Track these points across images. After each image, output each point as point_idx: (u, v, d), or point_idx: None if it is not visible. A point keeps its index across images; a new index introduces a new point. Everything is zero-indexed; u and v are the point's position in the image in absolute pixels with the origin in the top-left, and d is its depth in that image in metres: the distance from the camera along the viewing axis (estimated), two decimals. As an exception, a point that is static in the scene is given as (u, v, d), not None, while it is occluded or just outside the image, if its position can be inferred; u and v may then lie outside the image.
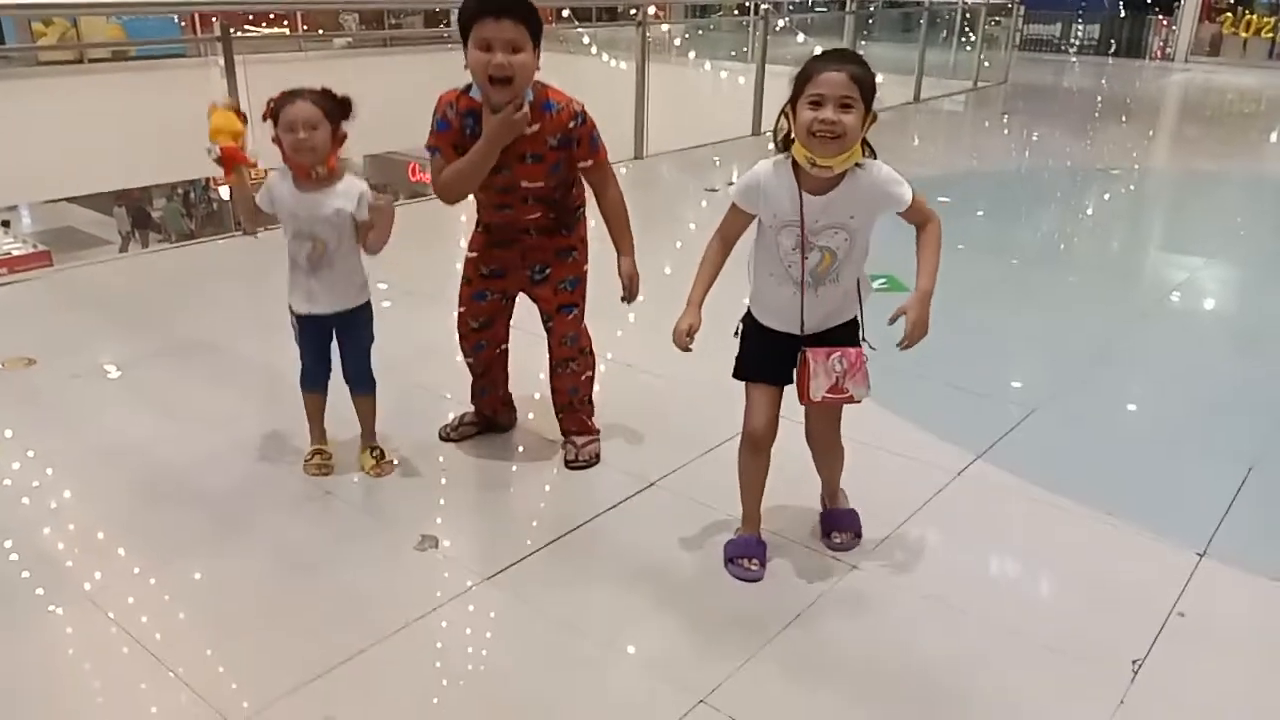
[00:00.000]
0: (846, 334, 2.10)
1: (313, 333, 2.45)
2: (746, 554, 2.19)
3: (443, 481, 2.55)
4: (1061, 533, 2.39)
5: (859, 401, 2.09)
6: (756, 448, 2.17)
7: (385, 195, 2.30)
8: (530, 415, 2.85)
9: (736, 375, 2.18)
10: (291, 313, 2.43)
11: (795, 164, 1.95)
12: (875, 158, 2.00)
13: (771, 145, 2.03)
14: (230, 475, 2.52)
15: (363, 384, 2.53)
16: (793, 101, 1.93)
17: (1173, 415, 3.16)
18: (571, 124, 2.33)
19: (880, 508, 2.37)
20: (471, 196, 2.44)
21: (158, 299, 3.94)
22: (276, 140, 2.28)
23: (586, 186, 2.51)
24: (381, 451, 2.57)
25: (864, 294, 2.12)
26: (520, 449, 2.73)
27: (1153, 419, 3.19)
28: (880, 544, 2.28)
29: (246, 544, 2.24)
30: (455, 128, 2.30)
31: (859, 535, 2.29)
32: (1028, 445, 2.81)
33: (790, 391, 2.12)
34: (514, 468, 2.64)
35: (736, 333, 2.18)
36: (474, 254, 2.53)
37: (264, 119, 2.27)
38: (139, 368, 3.18)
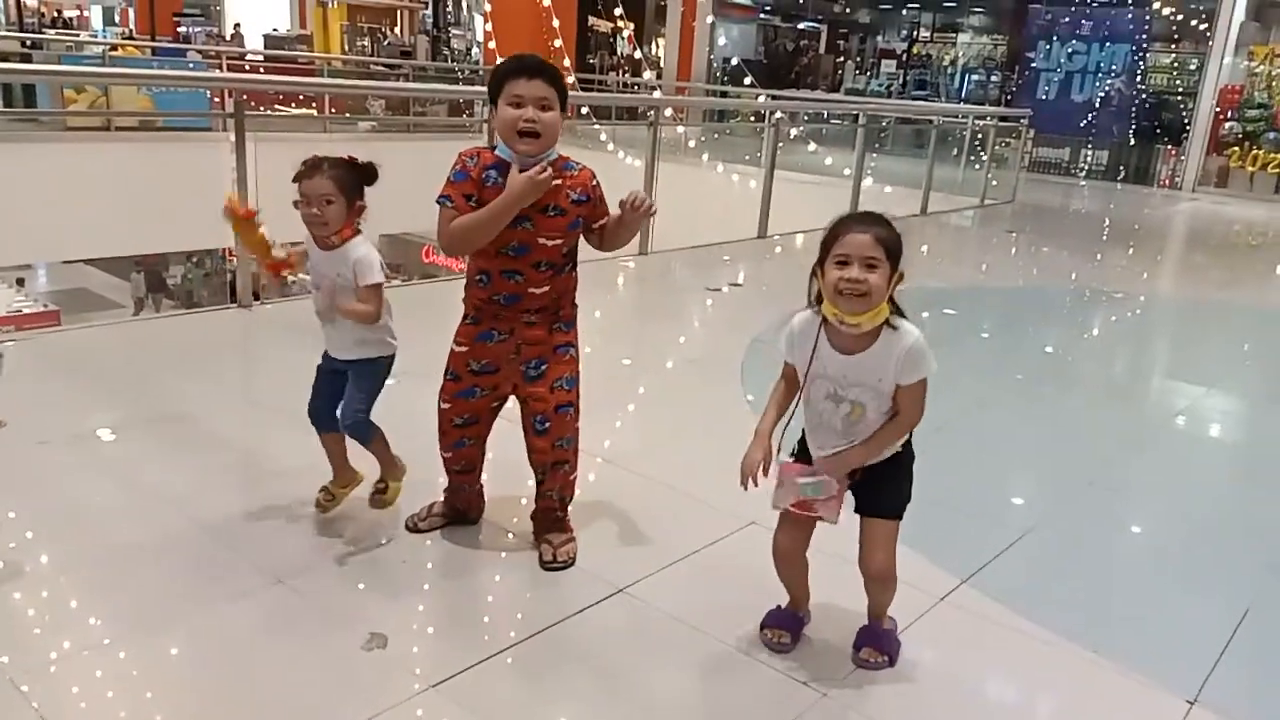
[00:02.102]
0: (889, 466, 2.10)
1: (323, 368, 2.54)
2: (776, 625, 2.24)
3: (401, 576, 2.45)
4: (1045, 670, 2.27)
5: (830, 522, 2.09)
6: (779, 560, 2.21)
7: (361, 300, 2.38)
8: (499, 509, 2.77)
9: (775, 504, 2.16)
10: None
11: (826, 320, 2.00)
12: (905, 317, 2.01)
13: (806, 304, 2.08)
14: (182, 556, 2.43)
15: (352, 431, 2.54)
16: (820, 262, 1.98)
17: (1168, 548, 3.06)
18: (593, 182, 2.42)
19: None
20: (468, 279, 2.43)
21: (147, 366, 3.91)
22: (296, 205, 2.37)
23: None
24: (385, 485, 2.62)
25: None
26: (486, 544, 2.63)
27: (1147, 550, 3.08)
28: (854, 671, 2.16)
29: (185, 633, 2.14)
30: (474, 178, 2.30)
31: (892, 662, 2.20)
32: (1016, 571, 2.71)
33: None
34: (477, 564, 2.55)
35: (793, 453, 2.17)
36: (463, 348, 2.47)
37: (294, 181, 2.36)
38: (109, 437, 3.13)
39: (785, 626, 2.24)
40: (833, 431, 2.07)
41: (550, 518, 2.58)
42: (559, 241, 2.37)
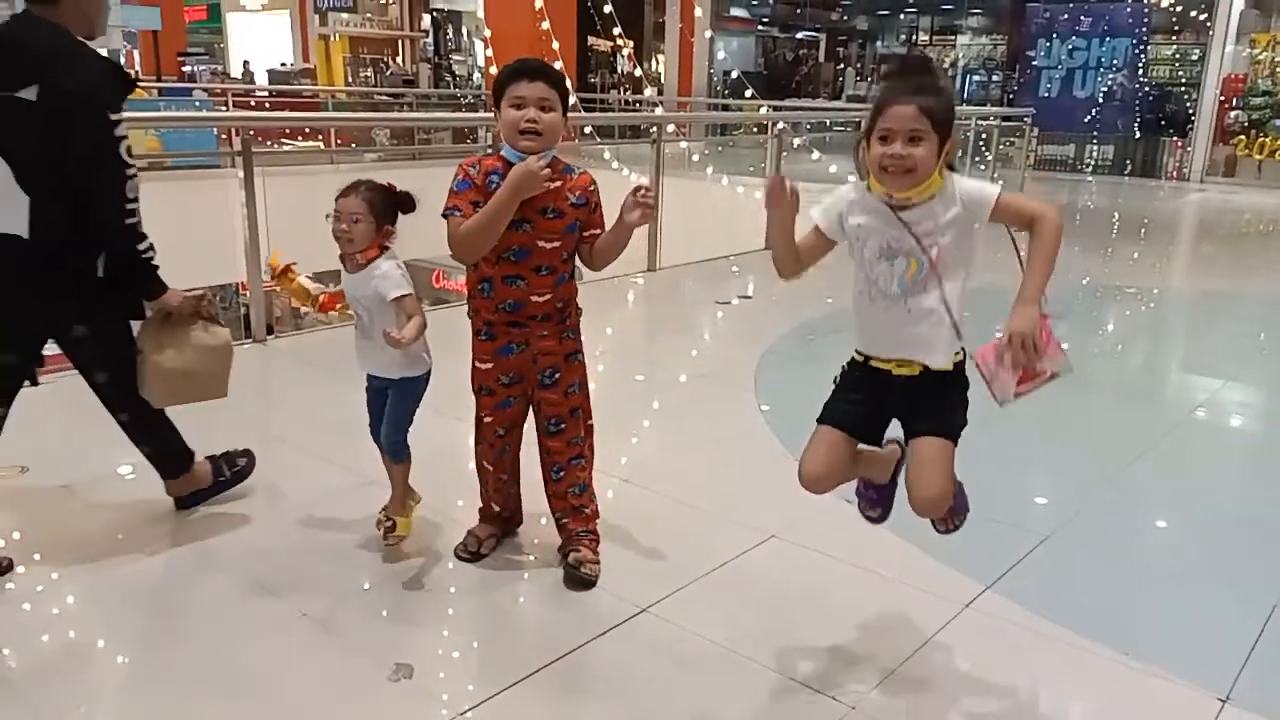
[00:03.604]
0: (936, 389, 1.99)
1: (369, 388, 2.61)
2: (869, 499, 2.23)
3: (424, 603, 2.46)
4: (1073, 673, 2.25)
5: (1066, 373, 1.96)
6: (808, 488, 2.07)
7: (396, 330, 2.40)
8: (515, 532, 2.78)
9: (818, 419, 2.09)
10: None
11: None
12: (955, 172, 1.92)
13: (853, 175, 1.99)
14: (205, 592, 2.46)
15: (390, 450, 2.60)
16: (866, 135, 1.88)
17: (1191, 545, 3.04)
18: (591, 186, 2.45)
19: (883, 641, 2.26)
20: (471, 292, 2.45)
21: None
22: (326, 218, 2.46)
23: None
24: (393, 523, 2.60)
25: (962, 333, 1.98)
26: (508, 567, 2.63)
27: (1171, 548, 3.06)
28: (882, 682, 2.15)
29: (211, 669, 2.15)
30: (479, 184, 2.34)
31: (967, 511, 2.19)
32: (1040, 575, 2.69)
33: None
34: (499, 588, 2.55)
35: (835, 380, 2.09)
36: (487, 364, 2.51)
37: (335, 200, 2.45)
38: (129, 478, 3.15)
39: (874, 500, 2.22)
40: (890, 302, 1.93)
41: (581, 516, 2.60)
42: (558, 244, 2.40)
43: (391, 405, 2.57)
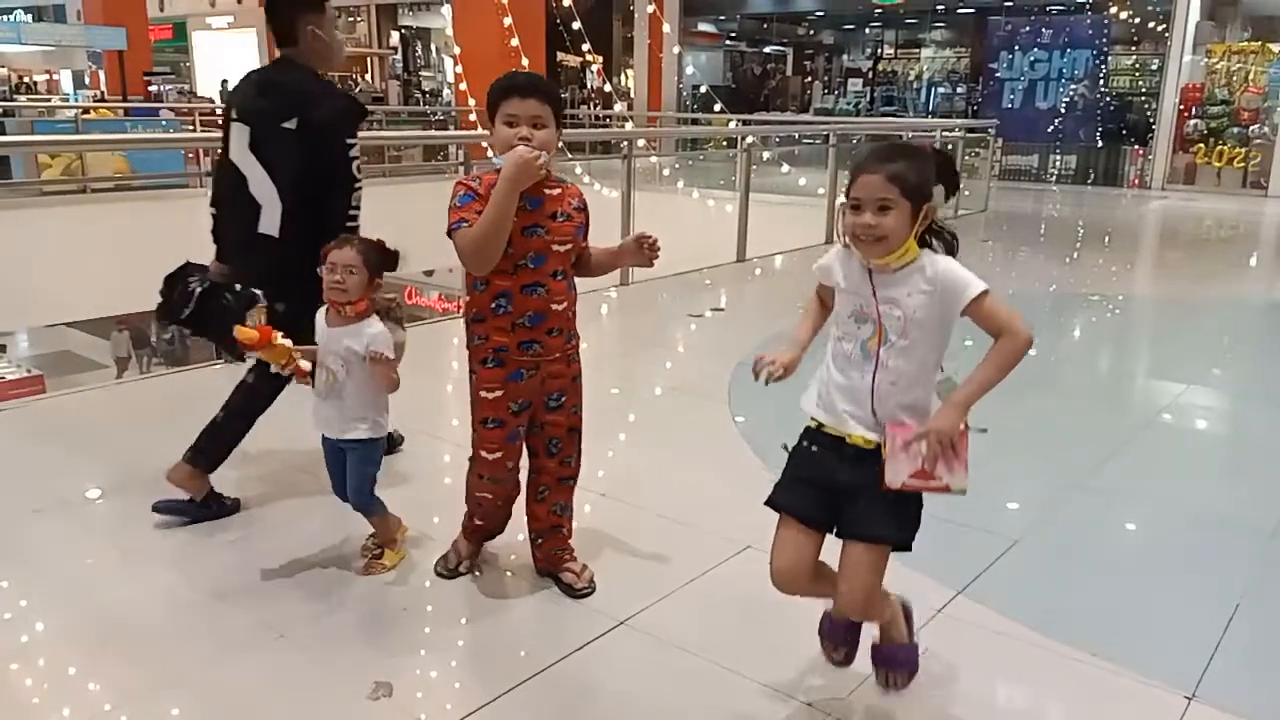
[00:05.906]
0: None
1: (327, 450, 2.61)
2: (832, 639, 2.07)
3: (402, 622, 2.46)
4: (1044, 676, 2.29)
5: (958, 492, 1.87)
6: (782, 590, 1.96)
7: (385, 356, 2.45)
8: (494, 548, 2.78)
9: (768, 501, 1.99)
10: None
11: None
12: (954, 252, 1.88)
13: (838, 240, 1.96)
14: (181, 616, 2.44)
15: (360, 510, 2.63)
16: (845, 203, 1.87)
17: (1157, 546, 3.10)
18: (583, 196, 2.50)
19: (858, 649, 2.28)
20: (478, 316, 2.41)
21: (138, 427, 3.90)
22: (318, 271, 2.48)
23: None
24: (381, 551, 2.65)
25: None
26: (484, 585, 2.64)
27: (1137, 550, 3.12)
28: (857, 688, 2.18)
29: (189, 694, 2.14)
30: (483, 195, 2.29)
31: (914, 670, 2.08)
32: (1009, 579, 2.74)
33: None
34: (477, 605, 2.55)
35: (785, 446, 2.02)
36: (496, 393, 2.43)
37: (323, 253, 2.47)
38: (101, 502, 3.13)
39: (836, 640, 2.06)
40: (849, 364, 1.89)
41: (558, 535, 2.61)
42: (569, 247, 2.42)
43: (352, 470, 2.56)
